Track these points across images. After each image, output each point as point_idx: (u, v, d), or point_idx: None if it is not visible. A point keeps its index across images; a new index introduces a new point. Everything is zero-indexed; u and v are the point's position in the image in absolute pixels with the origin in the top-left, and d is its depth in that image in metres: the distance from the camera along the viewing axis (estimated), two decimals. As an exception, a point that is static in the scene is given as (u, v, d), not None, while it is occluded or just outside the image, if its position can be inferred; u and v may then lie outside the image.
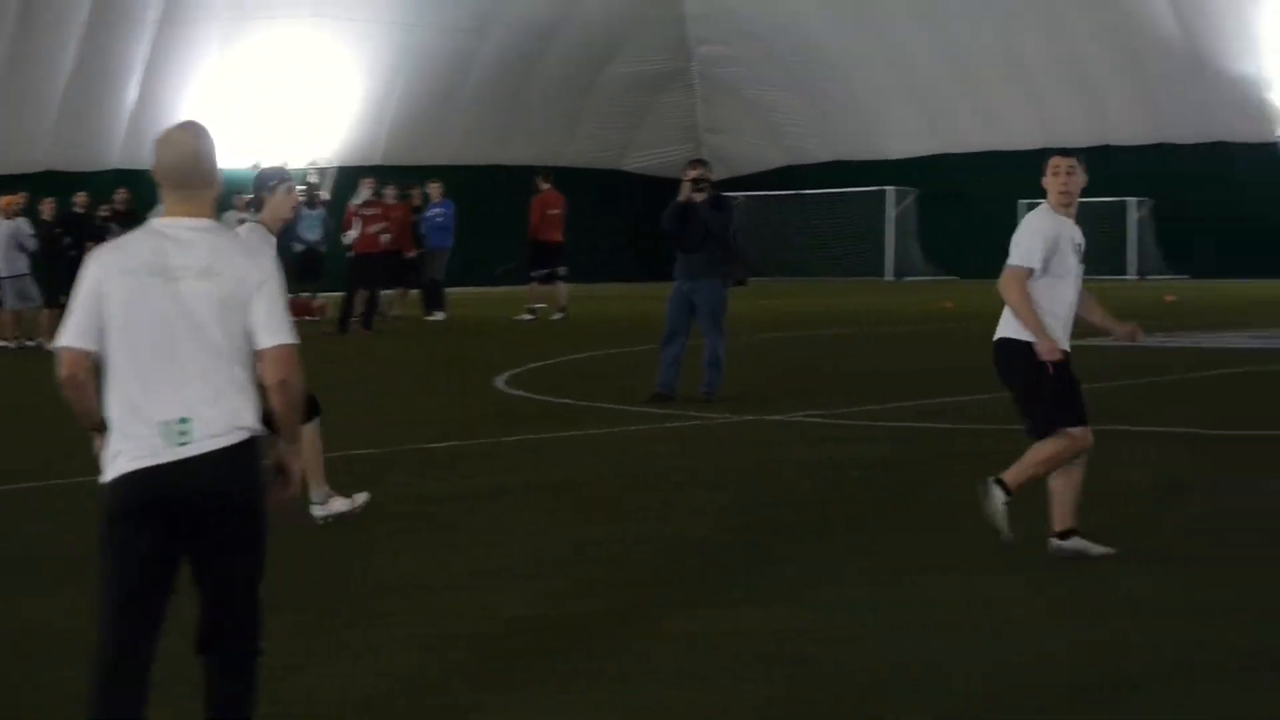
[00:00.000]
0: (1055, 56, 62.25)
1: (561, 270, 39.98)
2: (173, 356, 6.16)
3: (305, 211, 40.64)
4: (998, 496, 10.99)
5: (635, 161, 66.93)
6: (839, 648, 8.69)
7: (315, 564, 10.90)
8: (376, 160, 54.51)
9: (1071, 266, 11.32)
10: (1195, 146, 60.69)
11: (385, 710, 7.68)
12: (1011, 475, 11.12)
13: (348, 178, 44.52)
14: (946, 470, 14.85)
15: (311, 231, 39.30)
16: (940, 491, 13.70)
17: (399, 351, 30.82)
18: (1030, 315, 11.01)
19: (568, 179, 53.56)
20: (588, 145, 64.50)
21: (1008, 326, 11.37)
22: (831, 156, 68.36)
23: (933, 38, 63.77)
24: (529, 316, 38.57)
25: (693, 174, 21.05)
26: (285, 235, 39.77)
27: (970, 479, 13.05)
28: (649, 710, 7.66)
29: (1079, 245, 11.49)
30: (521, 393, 21.97)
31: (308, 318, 36.54)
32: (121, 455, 6.13)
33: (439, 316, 38.55)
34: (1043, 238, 11.25)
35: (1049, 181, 11.60)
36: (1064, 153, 11.53)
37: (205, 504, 6.16)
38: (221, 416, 6.18)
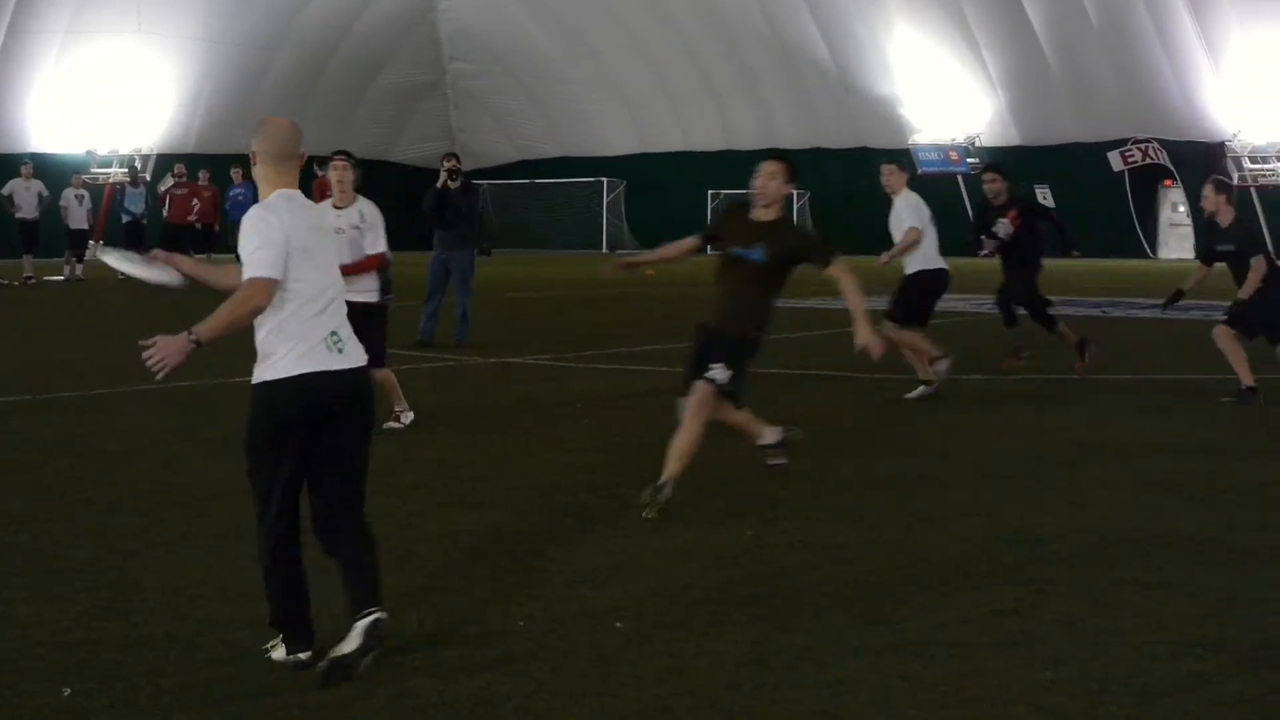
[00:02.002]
0: (735, 77, 62.99)
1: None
2: None
3: (130, 190, 40.15)
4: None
5: (401, 154, 66.63)
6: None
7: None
8: (190, 148, 54.07)
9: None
10: (843, 150, 61.60)
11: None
12: None
13: (166, 162, 43.89)
14: (644, 401, 14.97)
15: (135, 205, 38.90)
16: (637, 417, 13.82)
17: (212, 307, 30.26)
18: None
19: (346, 167, 53.21)
20: (362, 139, 64.04)
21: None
22: (559, 153, 68.57)
23: (638, 60, 64.23)
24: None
25: (447, 165, 21.06)
26: (113, 210, 39.33)
27: (659, 409, 13.13)
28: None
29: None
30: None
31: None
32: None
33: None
34: None
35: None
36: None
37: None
38: None
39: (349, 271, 11.43)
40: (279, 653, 6.38)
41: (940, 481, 10.76)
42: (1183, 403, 14.99)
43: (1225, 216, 15.54)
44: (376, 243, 12.60)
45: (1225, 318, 15.41)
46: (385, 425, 12.44)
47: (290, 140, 6.49)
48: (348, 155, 12.86)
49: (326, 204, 12.50)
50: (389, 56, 64.37)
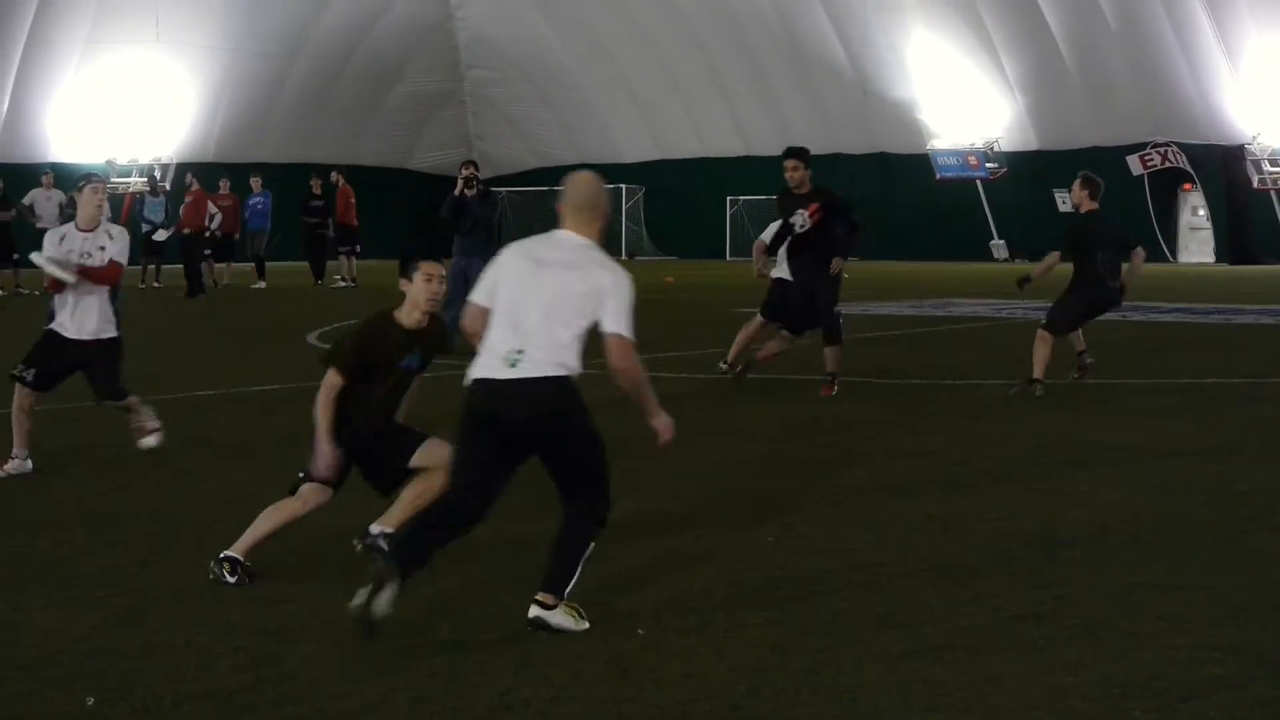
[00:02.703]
0: (751, 84, 62.91)
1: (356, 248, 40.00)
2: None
3: (149, 199, 40.22)
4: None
5: (419, 162, 66.68)
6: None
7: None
8: (209, 157, 54.14)
9: None
10: (861, 156, 61.52)
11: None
12: None
13: (186, 172, 43.99)
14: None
15: (155, 215, 38.96)
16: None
17: (232, 313, 30.37)
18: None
19: (365, 175, 53.31)
20: (381, 148, 64.18)
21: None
22: (576, 160, 68.31)
23: (655, 66, 64.22)
24: (344, 284, 38.31)
25: (464, 173, 21.10)
26: (132, 219, 39.46)
27: (675, 412, 13.09)
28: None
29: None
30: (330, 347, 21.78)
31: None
32: None
33: (261, 285, 38.23)
34: None
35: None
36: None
37: None
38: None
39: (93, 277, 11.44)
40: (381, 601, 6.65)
41: (956, 485, 10.75)
42: (1200, 405, 14.96)
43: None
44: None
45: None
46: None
47: (587, 194, 7.64)
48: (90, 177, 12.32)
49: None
50: (406, 64, 64.34)
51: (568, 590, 7.10)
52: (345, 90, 62.16)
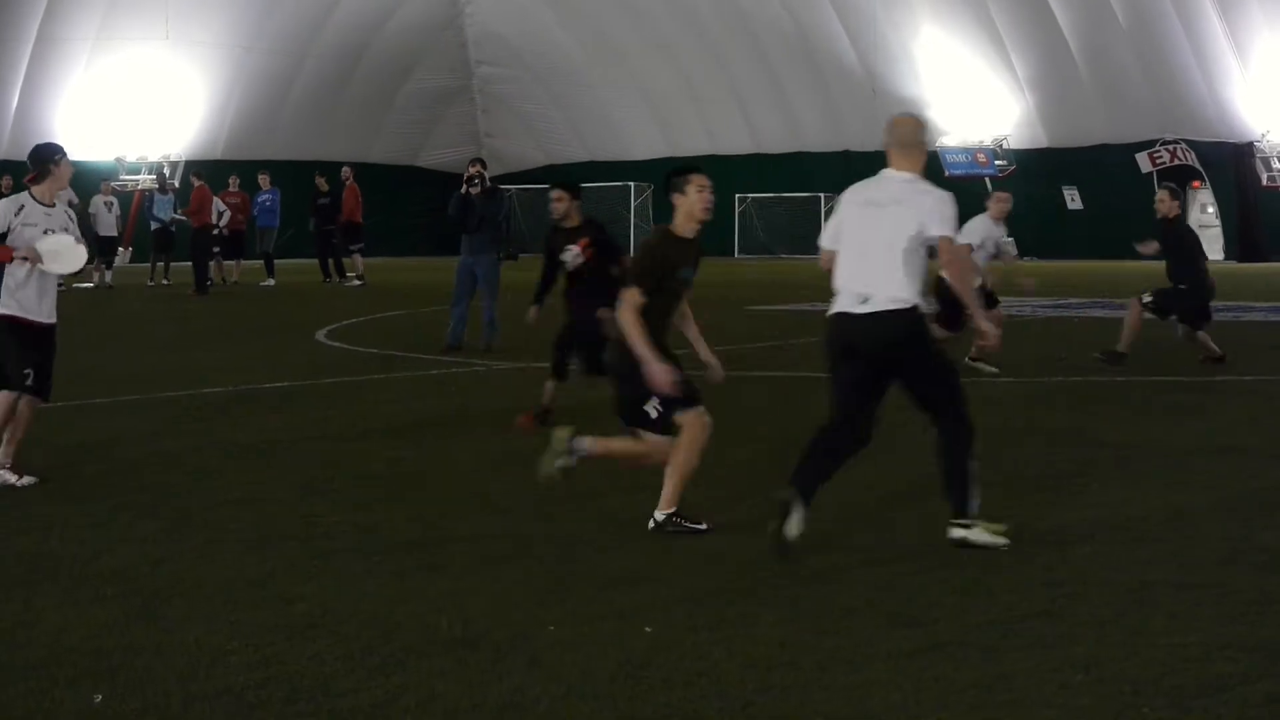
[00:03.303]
0: (761, 81, 62.89)
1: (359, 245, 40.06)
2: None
3: (158, 196, 40.33)
4: None
5: (428, 159, 66.72)
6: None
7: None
8: (218, 154, 54.22)
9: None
10: (871, 153, 61.40)
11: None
12: None
13: (192, 169, 44.02)
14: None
15: (164, 212, 39.08)
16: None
17: (240, 310, 30.38)
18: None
19: (375, 173, 53.39)
20: (390, 145, 64.23)
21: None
22: (586, 157, 68.51)
23: (665, 64, 64.19)
24: (359, 282, 38.34)
25: (472, 170, 21.12)
26: (141, 216, 39.54)
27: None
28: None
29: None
30: (339, 344, 21.82)
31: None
32: None
33: (269, 283, 38.21)
34: None
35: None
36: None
37: None
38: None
39: None
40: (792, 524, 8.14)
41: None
42: (1211, 402, 14.94)
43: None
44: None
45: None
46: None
47: (908, 134, 8.76)
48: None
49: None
50: (416, 61, 64.35)
51: (973, 507, 8.48)
52: (355, 88, 62.22)
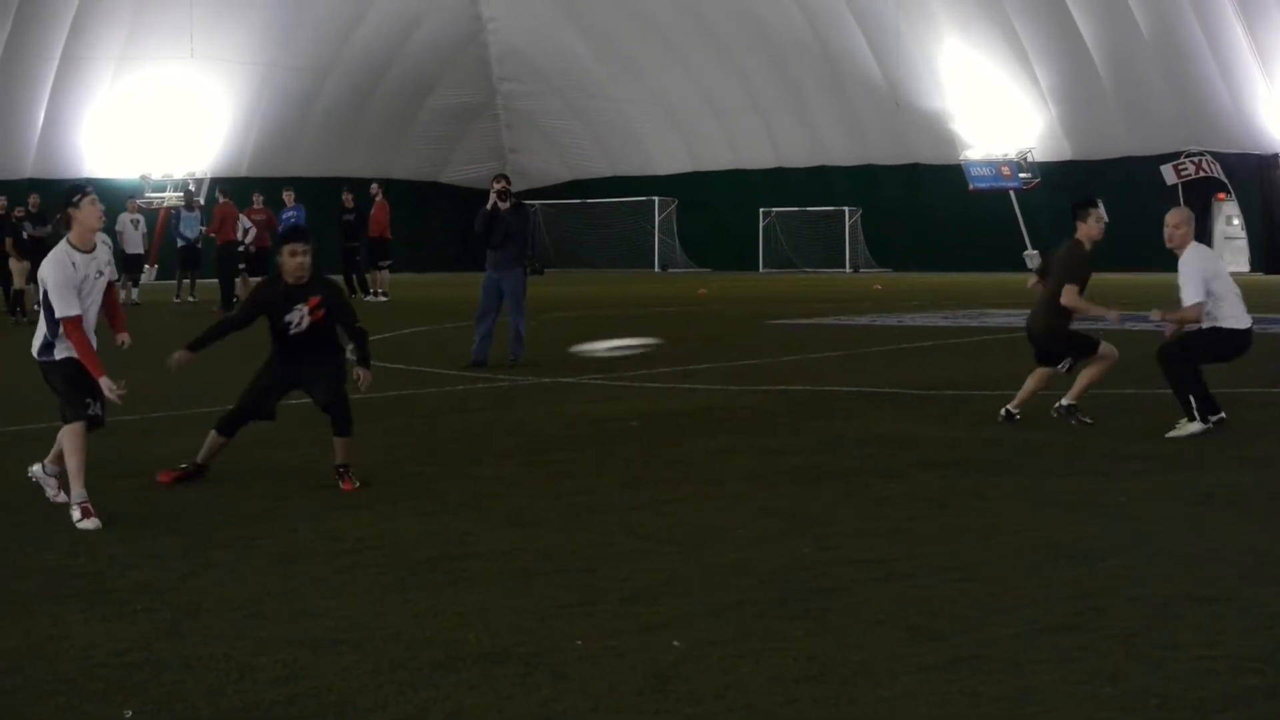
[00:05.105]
0: (783, 95, 62.94)
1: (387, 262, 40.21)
2: None
3: (184, 214, 40.50)
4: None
5: (452, 175, 66.88)
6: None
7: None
8: (243, 172, 54.44)
9: None
10: (894, 167, 61.54)
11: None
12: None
13: (217, 186, 44.17)
14: (698, 419, 15.01)
15: (190, 230, 39.27)
16: (687, 434, 13.88)
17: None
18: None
19: (399, 189, 53.56)
20: (414, 162, 64.41)
21: None
22: (610, 173, 68.70)
23: (687, 79, 64.28)
24: (383, 298, 38.49)
25: (497, 186, 21.15)
26: (167, 233, 39.65)
27: (709, 426, 13.13)
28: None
29: None
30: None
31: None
32: None
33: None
34: None
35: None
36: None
37: None
38: None
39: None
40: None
41: (989, 497, 10.73)
42: (1234, 415, 14.88)
43: None
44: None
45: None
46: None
47: None
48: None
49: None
50: (439, 78, 64.50)
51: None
52: (379, 104, 62.41)
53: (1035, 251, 58.77)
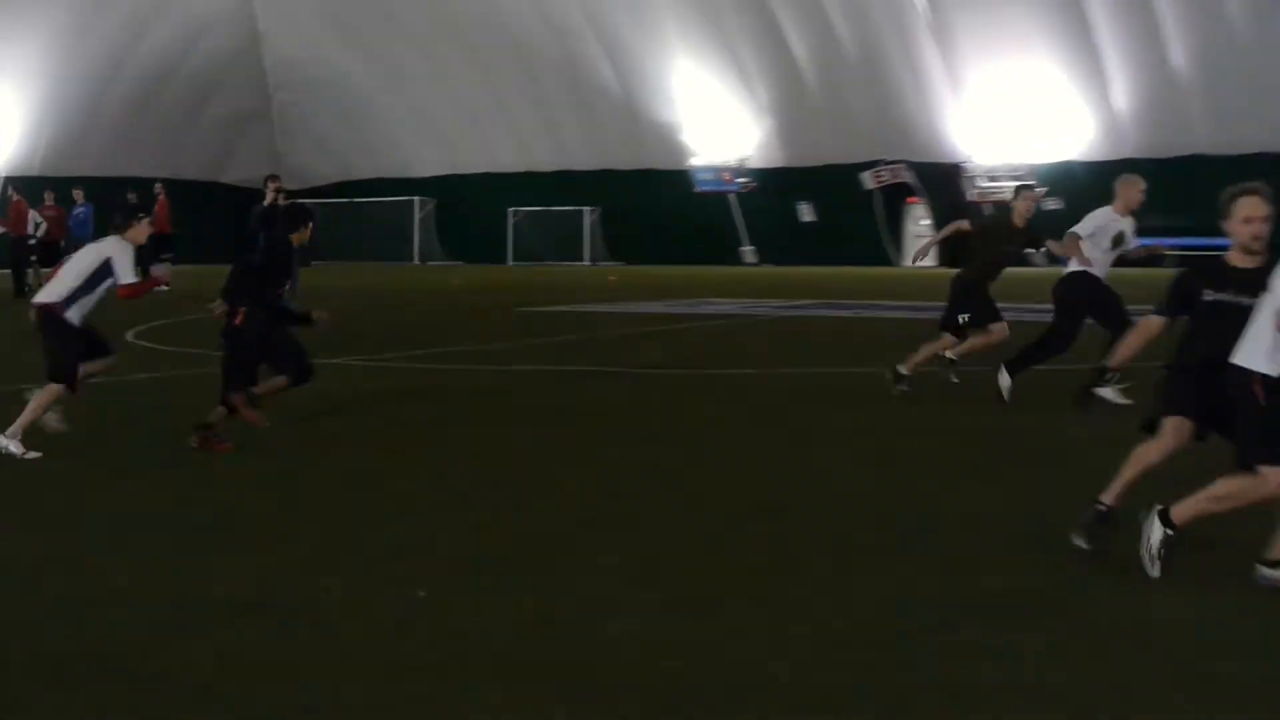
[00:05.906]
0: (532, 104, 63.06)
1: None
2: None
3: (-22, 211, 39.25)
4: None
5: (231, 175, 65.73)
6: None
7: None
8: (34, 171, 52.92)
9: None
10: (630, 171, 61.98)
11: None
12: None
13: (9, 184, 42.88)
14: (454, 393, 14.97)
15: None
16: (445, 408, 13.84)
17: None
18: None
19: (182, 188, 52.37)
20: (195, 163, 63.19)
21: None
22: (374, 174, 68.16)
23: (446, 90, 64.05)
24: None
25: (273, 186, 20.95)
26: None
27: (464, 400, 13.12)
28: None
29: None
30: (148, 344, 21.47)
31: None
32: None
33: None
34: None
35: None
36: None
37: None
38: None
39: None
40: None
41: (710, 464, 10.85)
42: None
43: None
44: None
45: None
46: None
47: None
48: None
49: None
50: (218, 86, 63.57)
51: None
52: (163, 110, 61.32)
53: (751, 247, 59.74)
